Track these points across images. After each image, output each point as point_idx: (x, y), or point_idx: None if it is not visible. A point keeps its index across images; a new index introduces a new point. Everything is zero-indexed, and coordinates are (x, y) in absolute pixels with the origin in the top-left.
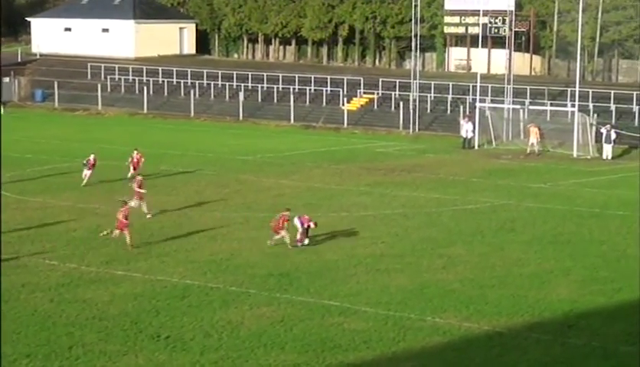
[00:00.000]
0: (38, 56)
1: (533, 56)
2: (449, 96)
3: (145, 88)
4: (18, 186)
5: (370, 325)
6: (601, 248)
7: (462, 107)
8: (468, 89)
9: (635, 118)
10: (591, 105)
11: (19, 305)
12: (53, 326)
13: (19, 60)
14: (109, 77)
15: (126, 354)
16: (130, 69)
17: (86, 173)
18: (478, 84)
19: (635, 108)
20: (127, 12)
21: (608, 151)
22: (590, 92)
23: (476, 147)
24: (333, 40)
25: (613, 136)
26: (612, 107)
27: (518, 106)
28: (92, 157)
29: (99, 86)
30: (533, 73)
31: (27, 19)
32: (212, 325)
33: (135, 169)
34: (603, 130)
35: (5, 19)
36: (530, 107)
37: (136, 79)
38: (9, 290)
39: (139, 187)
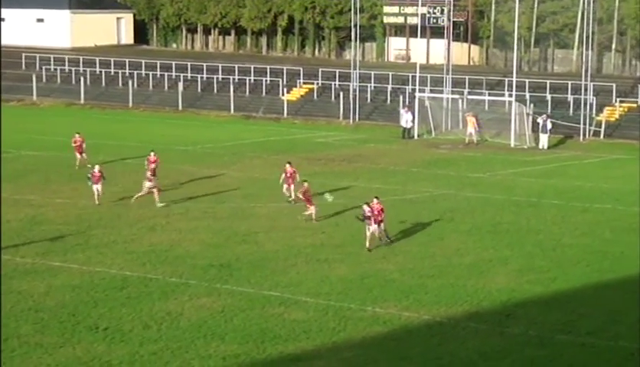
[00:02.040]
0: None
1: (472, 46)
2: (389, 86)
3: (82, 78)
4: None
5: (311, 315)
6: (537, 237)
7: (401, 97)
8: (408, 79)
9: (569, 108)
10: (527, 94)
11: None
12: None
13: None
14: (44, 68)
15: (63, 346)
16: (66, 60)
17: (97, 188)
18: (418, 74)
19: (570, 97)
20: (62, 2)
21: (544, 140)
22: (527, 82)
23: (416, 136)
24: (272, 30)
25: (549, 126)
26: (548, 97)
27: (457, 96)
28: (97, 168)
29: (33, 76)
30: (471, 63)
31: None
32: (151, 316)
33: (153, 172)
34: (540, 120)
35: None
36: (469, 97)
37: (73, 69)
38: None
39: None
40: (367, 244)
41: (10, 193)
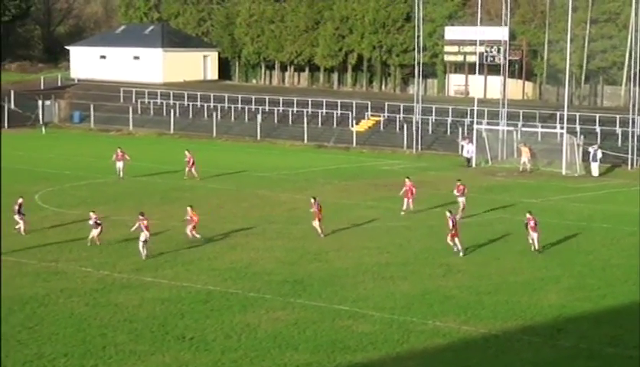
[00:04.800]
0: (76, 81)
1: (526, 82)
2: (449, 119)
3: (172, 110)
4: (57, 200)
5: (377, 328)
6: (587, 257)
7: (460, 129)
8: (466, 112)
9: (618, 139)
10: (578, 127)
11: (57, 308)
12: (89, 328)
13: (59, 84)
14: (139, 101)
15: (154, 354)
16: (158, 93)
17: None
18: (476, 108)
19: (619, 130)
20: (156, 41)
21: (595, 169)
22: (577, 116)
23: (474, 165)
24: (343, 67)
25: (599, 155)
26: (598, 129)
27: (512, 128)
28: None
29: (130, 108)
30: (525, 98)
31: (67, 47)
32: (232, 327)
33: (192, 165)
34: (591, 149)
35: (47, 47)
36: (523, 129)
37: (164, 102)
38: (49, 294)
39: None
40: (536, 247)
41: (109, 213)
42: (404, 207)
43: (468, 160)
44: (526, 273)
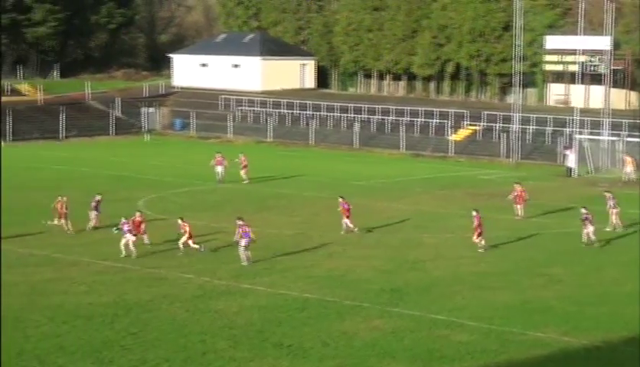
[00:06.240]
0: (178, 89)
1: (630, 91)
2: (548, 128)
3: (270, 118)
4: (159, 206)
5: (474, 337)
6: None
7: (560, 139)
8: (566, 122)
9: None
10: None
11: (160, 314)
12: (189, 334)
13: (161, 92)
14: (238, 108)
15: (253, 360)
16: (257, 101)
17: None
18: (577, 117)
19: None
20: (255, 50)
21: None
22: None
23: (575, 175)
24: (440, 76)
25: None
26: None
27: (615, 138)
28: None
29: (229, 116)
30: (629, 107)
31: (169, 55)
32: (329, 335)
33: (245, 168)
34: None
35: (150, 55)
36: (627, 139)
37: (262, 110)
38: (152, 300)
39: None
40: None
41: (208, 221)
42: (518, 213)
43: (570, 169)
44: (629, 284)
